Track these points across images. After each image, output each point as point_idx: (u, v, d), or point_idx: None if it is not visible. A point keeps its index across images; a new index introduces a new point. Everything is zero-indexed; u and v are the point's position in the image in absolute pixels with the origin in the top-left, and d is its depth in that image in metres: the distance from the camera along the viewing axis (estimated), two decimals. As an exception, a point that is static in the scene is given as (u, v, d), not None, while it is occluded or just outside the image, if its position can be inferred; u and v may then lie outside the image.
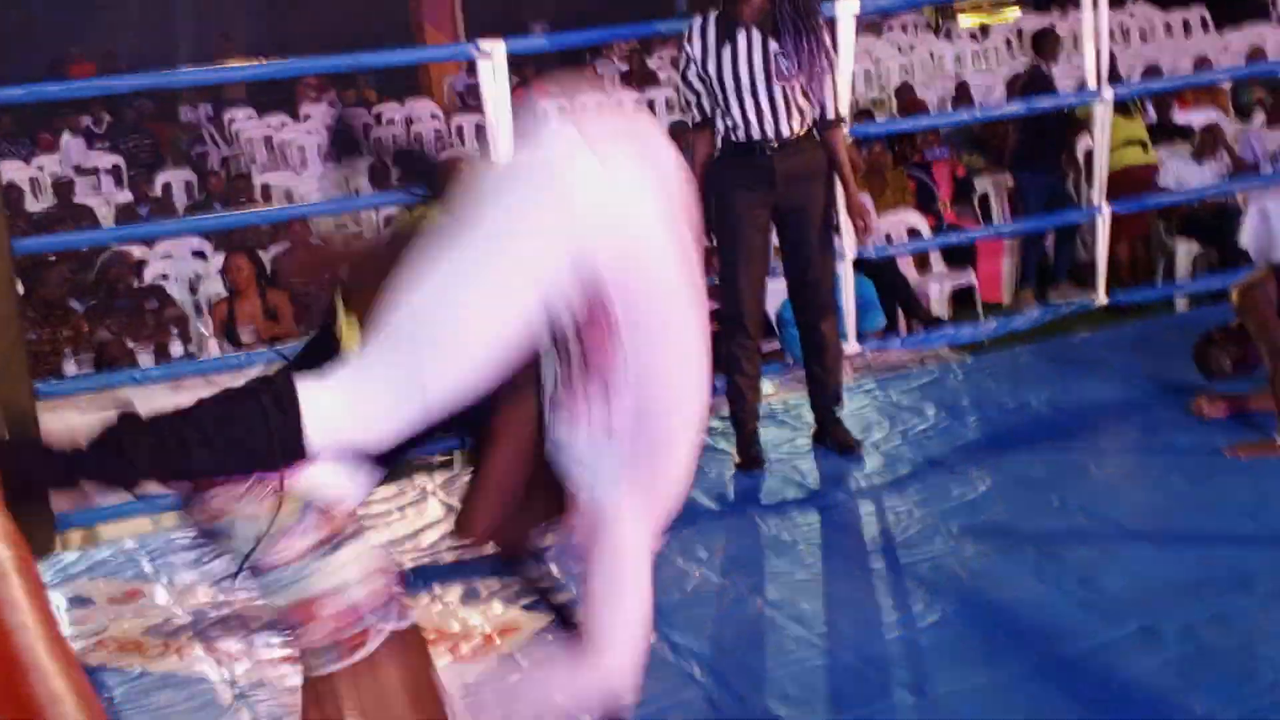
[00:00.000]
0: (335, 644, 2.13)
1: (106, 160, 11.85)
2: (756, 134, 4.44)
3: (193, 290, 8.33)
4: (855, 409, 5.25)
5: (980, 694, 3.13)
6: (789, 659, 3.37)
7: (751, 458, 4.71)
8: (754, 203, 4.49)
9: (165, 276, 8.40)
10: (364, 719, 2.16)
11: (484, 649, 3.59)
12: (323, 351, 2.23)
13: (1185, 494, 4.16)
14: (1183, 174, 8.31)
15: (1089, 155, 6.89)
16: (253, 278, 7.30)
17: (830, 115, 4.54)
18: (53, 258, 7.33)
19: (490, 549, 2.55)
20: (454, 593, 3.95)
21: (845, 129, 4.75)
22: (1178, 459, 4.45)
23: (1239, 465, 4.28)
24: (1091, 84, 6.11)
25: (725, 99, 4.47)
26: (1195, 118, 9.32)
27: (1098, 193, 6.32)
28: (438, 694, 2.28)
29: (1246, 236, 7.44)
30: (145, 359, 6.79)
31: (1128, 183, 7.54)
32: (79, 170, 11.34)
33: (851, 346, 5.86)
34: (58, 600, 3.92)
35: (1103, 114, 6.20)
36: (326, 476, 2.13)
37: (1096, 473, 4.44)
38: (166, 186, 10.98)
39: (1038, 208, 8.15)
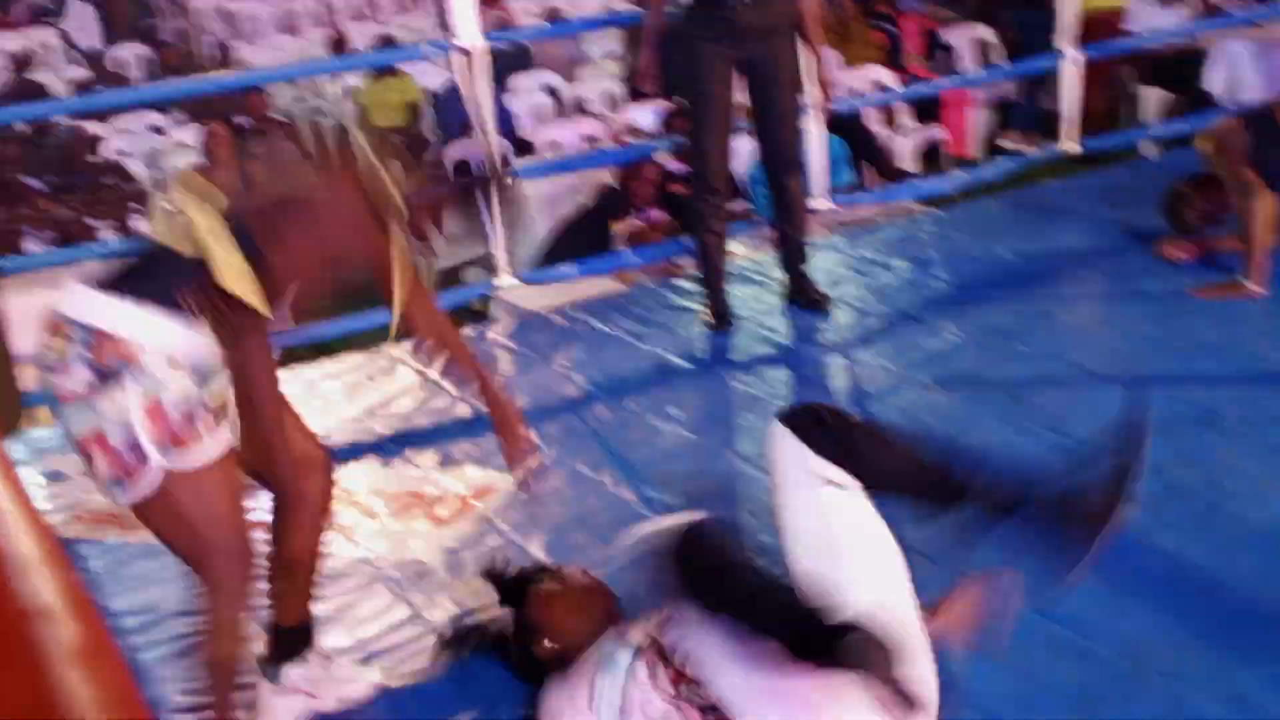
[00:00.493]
0: (118, 479, 2.27)
1: (54, 37, 11.58)
2: (722, -14, 4.36)
3: (152, 166, 8.21)
4: (825, 265, 5.24)
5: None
6: (763, 510, 3.39)
7: (721, 316, 4.71)
8: (720, 56, 4.42)
9: (123, 153, 8.27)
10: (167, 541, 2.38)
11: (461, 512, 3.61)
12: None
13: (1153, 337, 4.19)
14: (1150, 18, 8.22)
15: None
16: (232, 147, 7.18)
17: (796, -34, 4.46)
18: (6, 136, 7.19)
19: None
20: (429, 457, 3.97)
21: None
22: (1145, 303, 4.48)
23: (1205, 307, 4.32)
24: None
25: (689, -50, 4.38)
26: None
27: (1067, 38, 6.26)
28: (233, 525, 2.38)
29: (1213, 81, 7.40)
30: (107, 235, 6.71)
31: (1096, 28, 7.44)
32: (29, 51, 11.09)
33: (821, 203, 5.84)
34: (31, 476, 3.92)
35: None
36: (104, 311, 2.25)
37: (1065, 319, 4.47)
38: (122, 63, 10.74)
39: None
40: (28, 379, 4.15)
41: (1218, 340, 4.06)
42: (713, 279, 4.71)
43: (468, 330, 4.95)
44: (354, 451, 3.97)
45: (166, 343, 2.27)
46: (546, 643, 2.54)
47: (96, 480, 2.32)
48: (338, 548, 3.47)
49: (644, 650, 2.33)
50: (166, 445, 2.26)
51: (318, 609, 2.81)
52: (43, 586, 1.60)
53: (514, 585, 2.73)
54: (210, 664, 2.38)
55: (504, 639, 2.66)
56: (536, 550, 3.34)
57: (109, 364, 2.23)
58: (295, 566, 2.68)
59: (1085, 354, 4.14)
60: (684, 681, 2.26)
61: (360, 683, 2.80)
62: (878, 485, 2.30)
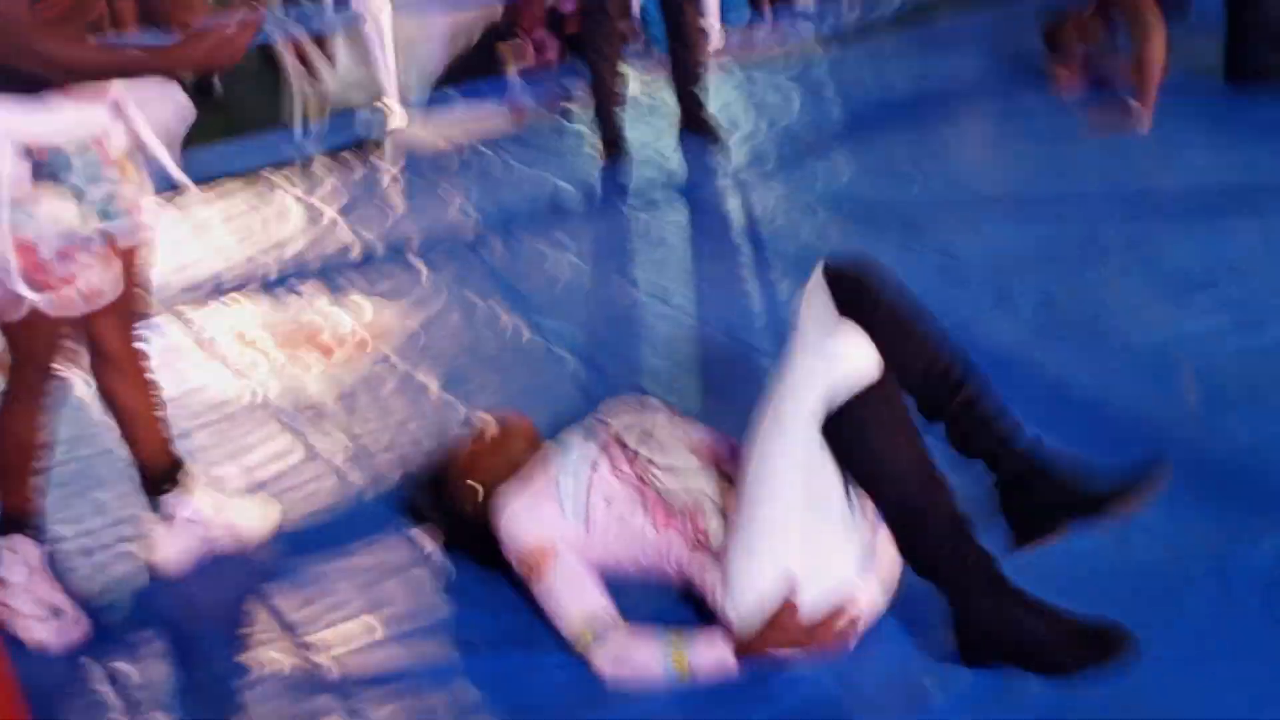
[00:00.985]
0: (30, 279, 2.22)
1: None
2: None
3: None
4: (723, 102, 5.20)
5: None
6: (657, 338, 3.41)
7: (614, 145, 4.65)
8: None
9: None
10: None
11: (354, 348, 3.57)
12: None
13: (1043, 167, 4.23)
14: None
15: None
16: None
17: None
18: None
19: None
20: (322, 293, 3.91)
21: None
22: (1037, 134, 4.51)
23: (1095, 138, 4.35)
24: None
25: None
26: None
27: None
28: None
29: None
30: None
31: None
32: None
33: (716, 37, 5.76)
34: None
35: None
36: None
37: (958, 150, 4.49)
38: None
39: None
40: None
41: (1104, 167, 4.10)
42: (605, 106, 4.63)
43: (360, 165, 4.85)
44: (241, 287, 3.89)
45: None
46: (478, 490, 2.48)
47: None
48: (230, 386, 3.43)
49: (604, 445, 2.37)
50: (32, 283, 2.22)
51: (213, 447, 2.77)
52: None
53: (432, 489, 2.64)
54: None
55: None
56: (430, 381, 3.32)
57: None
58: (134, 416, 2.64)
59: (977, 184, 4.17)
60: (644, 467, 2.32)
61: (258, 522, 2.77)
62: (894, 371, 2.12)
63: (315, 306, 3.85)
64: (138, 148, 2.42)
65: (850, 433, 2.07)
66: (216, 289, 4.03)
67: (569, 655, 2.26)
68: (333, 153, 5.30)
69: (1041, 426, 2.60)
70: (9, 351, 2.38)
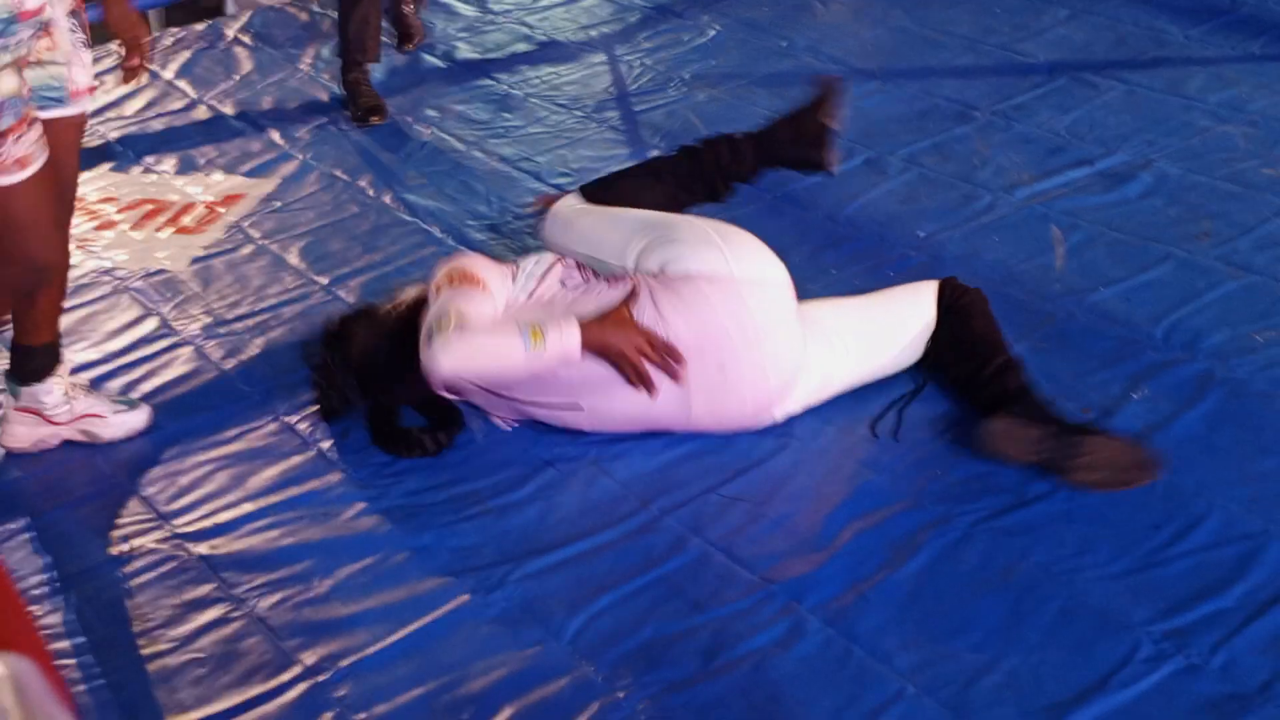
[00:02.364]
0: None
1: None
2: None
3: None
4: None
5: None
6: (522, 206, 3.33)
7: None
8: None
9: None
10: None
11: (207, 220, 3.42)
12: None
13: (909, 30, 4.21)
14: None
15: None
16: None
17: None
18: None
19: None
20: (169, 162, 3.73)
21: None
22: (903, 2, 4.47)
23: (958, 1, 4.34)
24: None
25: None
26: None
27: None
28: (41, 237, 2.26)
29: None
30: None
31: None
32: None
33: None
34: None
35: None
36: None
37: (823, 13, 4.43)
38: None
39: None
40: None
41: (970, 33, 4.10)
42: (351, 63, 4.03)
43: (200, 29, 4.61)
44: (85, 158, 3.68)
45: None
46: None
47: None
48: (77, 260, 3.26)
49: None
50: None
51: (65, 328, 2.63)
52: None
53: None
54: None
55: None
56: (294, 259, 3.20)
57: None
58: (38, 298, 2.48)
59: (843, 48, 4.13)
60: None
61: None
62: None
63: (159, 172, 3.67)
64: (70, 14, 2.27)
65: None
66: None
67: (454, 529, 2.23)
68: (170, 7, 5.04)
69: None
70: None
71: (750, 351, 2.32)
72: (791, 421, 2.45)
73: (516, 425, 2.51)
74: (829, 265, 2.93)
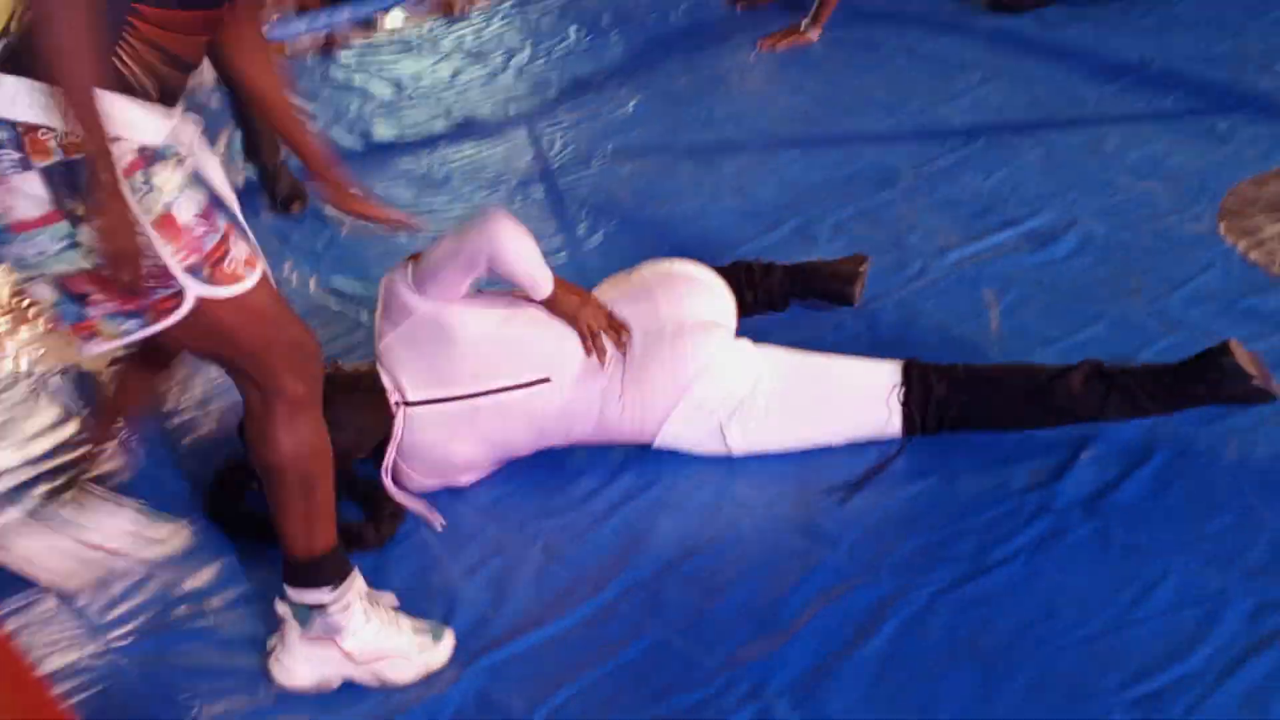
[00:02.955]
0: (138, 310, 1.80)
1: None
2: None
3: None
4: (494, 32, 5.05)
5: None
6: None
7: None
8: None
9: None
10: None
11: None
12: None
13: (827, 97, 4.24)
14: None
15: None
16: None
17: None
18: None
19: None
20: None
21: None
22: (811, 61, 4.51)
23: (876, 67, 4.39)
24: None
25: None
26: None
27: None
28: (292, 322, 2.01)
29: None
30: None
31: None
32: None
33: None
34: None
35: None
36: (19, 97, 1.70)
37: (740, 82, 4.46)
38: None
39: None
40: None
41: (887, 98, 4.14)
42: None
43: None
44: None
45: (137, 128, 1.75)
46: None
47: (95, 316, 1.81)
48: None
49: None
50: (201, 266, 1.81)
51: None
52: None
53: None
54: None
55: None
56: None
57: (58, 163, 1.70)
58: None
59: (764, 117, 4.15)
60: None
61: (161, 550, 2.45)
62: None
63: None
64: None
65: None
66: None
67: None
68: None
69: (851, 348, 2.63)
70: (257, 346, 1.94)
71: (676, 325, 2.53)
72: (744, 496, 2.42)
73: (444, 525, 2.45)
74: (766, 334, 2.91)
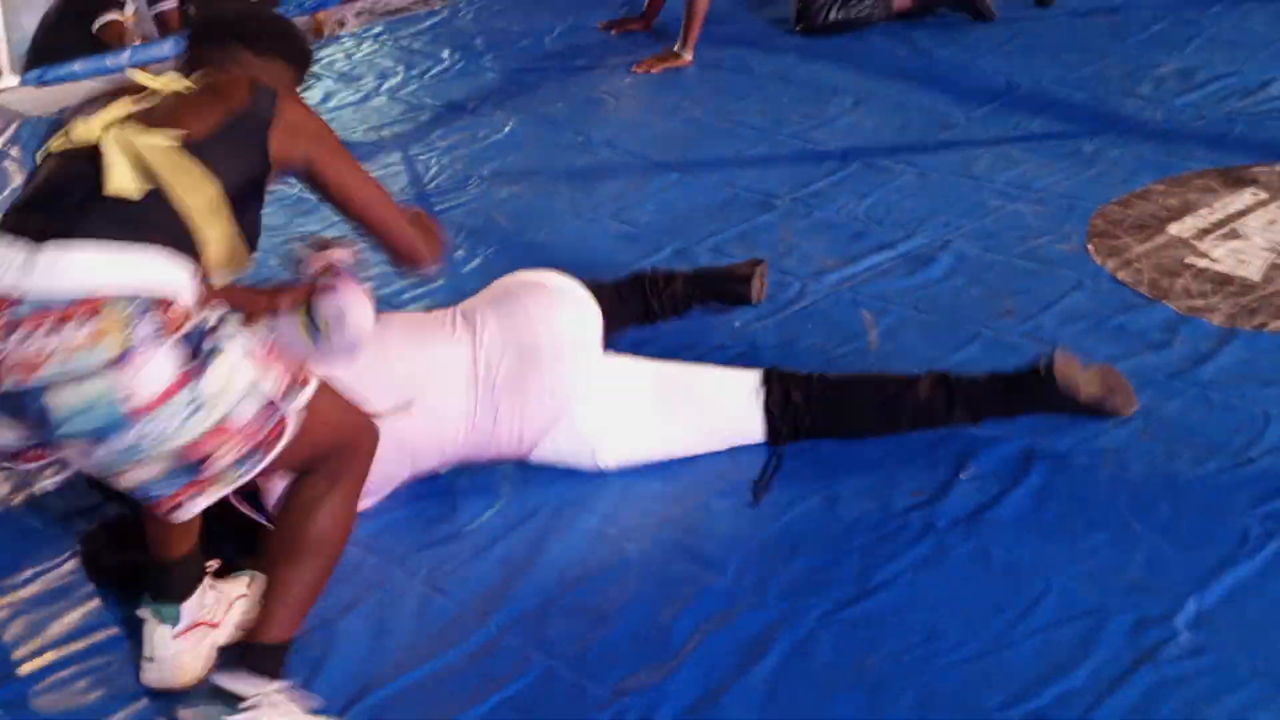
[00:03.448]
0: (252, 452, 1.79)
1: None
2: None
3: None
4: (365, 55, 4.99)
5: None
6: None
7: None
8: None
9: None
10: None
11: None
12: None
13: (703, 121, 4.25)
14: None
15: None
16: None
17: None
18: None
19: None
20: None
21: None
22: (692, 87, 4.53)
23: (753, 90, 4.42)
24: None
25: None
26: None
27: None
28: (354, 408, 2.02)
29: None
30: None
31: None
32: None
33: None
34: None
35: None
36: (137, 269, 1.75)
37: (616, 107, 4.46)
38: None
39: None
40: None
41: (762, 123, 4.17)
42: None
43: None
44: None
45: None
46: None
47: (209, 478, 1.79)
48: None
49: None
50: (292, 386, 1.84)
51: None
52: None
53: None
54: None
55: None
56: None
57: (190, 330, 1.74)
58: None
59: (640, 140, 4.15)
60: None
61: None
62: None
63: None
64: None
65: None
66: None
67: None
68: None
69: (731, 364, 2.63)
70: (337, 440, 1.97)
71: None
72: (629, 522, 2.40)
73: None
74: (641, 349, 2.89)
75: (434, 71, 4.83)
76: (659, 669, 2.07)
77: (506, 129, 4.29)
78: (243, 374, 1.78)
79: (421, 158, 4.13)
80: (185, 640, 2.10)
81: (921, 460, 2.49)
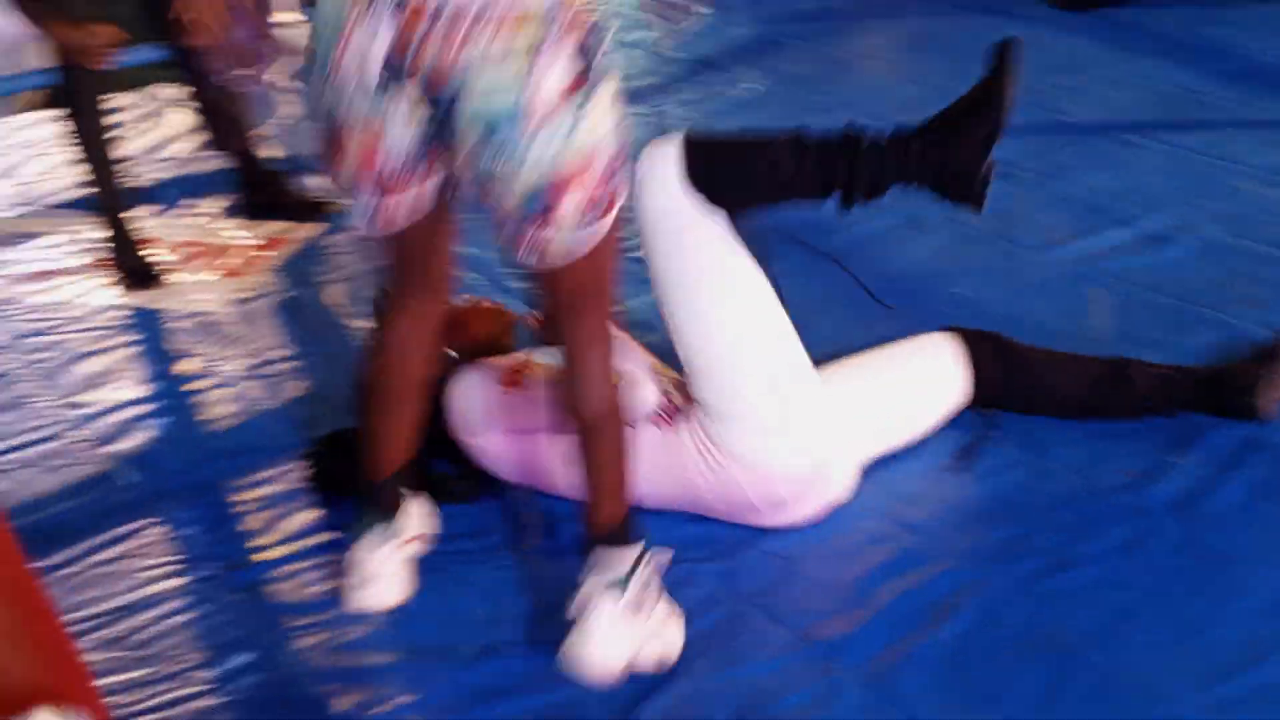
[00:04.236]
0: (593, 204, 1.76)
1: None
2: None
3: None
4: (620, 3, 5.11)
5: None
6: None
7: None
8: None
9: None
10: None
11: (252, 263, 3.44)
12: None
13: (947, 87, 4.18)
14: None
15: None
16: None
17: None
18: None
19: None
20: (214, 206, 3.76)
21: None
22: (939, 51, 4.48)
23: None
24: None
25: None
26: None
27: None
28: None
29: None
30: None
31: None
32: None
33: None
34: None
35: None
36: None
37: (861, 68, 4.45)
38: None
39: None
40: None
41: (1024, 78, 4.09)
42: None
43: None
44: (129, 199, 3.72)
45: None
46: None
47: (550, 230, 1.77)
48: (117, 298, 3.30)
49: None
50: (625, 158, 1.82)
51: (114, 369, 2.65)
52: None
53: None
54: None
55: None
56: (335, 302, 3.22)
57: (587, 41, 1.70)
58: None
59: (885, 104, 4.12)
60: None
61: None
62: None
63: (207, 218, 3.70)
64: None
65: None
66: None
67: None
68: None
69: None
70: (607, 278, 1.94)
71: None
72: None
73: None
74: (873, 321, 2.91)
75: (685, 24, 4.90)
76: (847, 619, 2.11)
77: (752, 85, 4.34)
78: (613, 111, 1.76)
79: (667, 110, 4.21)
80: (628, 620, 2.01)
81: (1135, 441, 2.45)
